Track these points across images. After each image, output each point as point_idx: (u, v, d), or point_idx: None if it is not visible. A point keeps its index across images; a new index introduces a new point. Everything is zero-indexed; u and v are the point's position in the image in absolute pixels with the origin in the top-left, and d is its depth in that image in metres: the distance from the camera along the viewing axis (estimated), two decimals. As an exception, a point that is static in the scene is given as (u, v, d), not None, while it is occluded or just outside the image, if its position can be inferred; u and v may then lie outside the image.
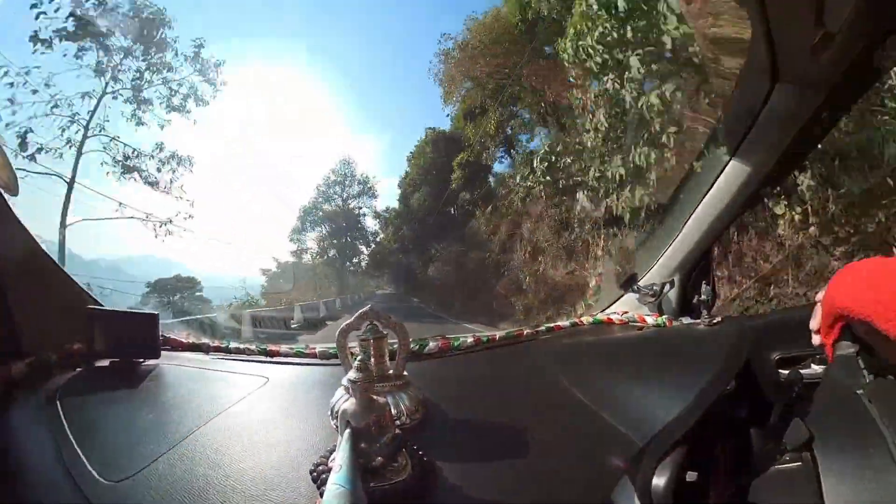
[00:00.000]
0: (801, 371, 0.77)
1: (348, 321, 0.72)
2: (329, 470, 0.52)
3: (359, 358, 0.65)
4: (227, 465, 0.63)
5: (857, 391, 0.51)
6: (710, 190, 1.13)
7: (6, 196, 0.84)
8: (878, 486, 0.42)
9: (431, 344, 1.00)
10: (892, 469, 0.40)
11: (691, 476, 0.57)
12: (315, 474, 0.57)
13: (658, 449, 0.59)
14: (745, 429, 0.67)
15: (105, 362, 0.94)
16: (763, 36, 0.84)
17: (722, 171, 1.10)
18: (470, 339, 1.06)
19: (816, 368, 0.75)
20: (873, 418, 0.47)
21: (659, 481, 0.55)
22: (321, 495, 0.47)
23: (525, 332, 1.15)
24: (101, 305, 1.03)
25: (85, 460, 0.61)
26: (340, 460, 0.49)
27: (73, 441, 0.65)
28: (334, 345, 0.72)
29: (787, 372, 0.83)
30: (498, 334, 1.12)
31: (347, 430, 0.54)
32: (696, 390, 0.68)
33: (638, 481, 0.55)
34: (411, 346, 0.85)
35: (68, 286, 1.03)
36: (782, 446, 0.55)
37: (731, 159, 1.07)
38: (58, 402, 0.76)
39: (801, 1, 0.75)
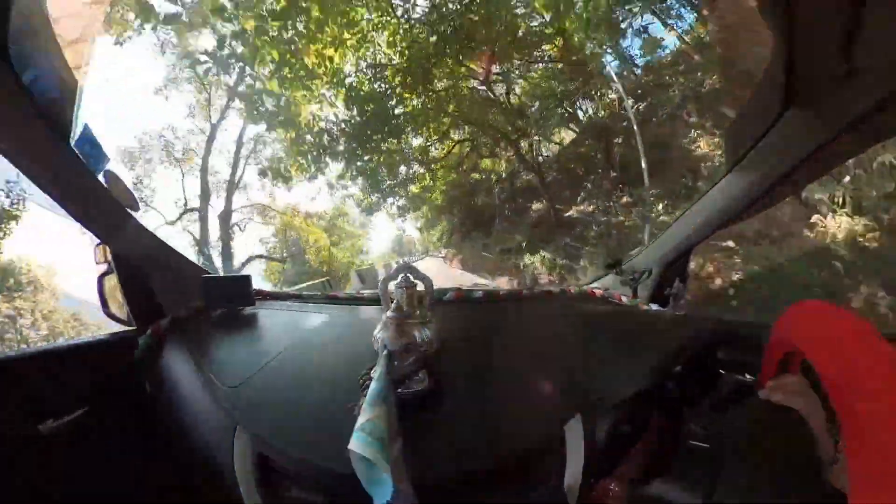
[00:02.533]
0: (737, 377, 0.79)
1: (389, 273, 0.84)
2: (370, 378, 0.64)
3: (395, 301, 0.78)
4: (301, 374, 0.82)
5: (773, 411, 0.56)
6: (702, 197, 1.09)
7: (131, 212, 1.03)
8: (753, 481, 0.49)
9: (450, 294, 1.14)
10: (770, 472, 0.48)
11: (626, 428, 0.68)
12: (361, 381, 0.72)
13: (607, 401, 0.69)
14: (677, 406, 0.74)
15: (218, 311, 1.18)
16: (784, 57, 0.75)
17: (717, 183, 1.05)
18: (479, 293, 1.19)
19: (749, 378, 0.78)
20: (772, 431, 0.53)
21: (600, 427, 0.65)
22: (364, 395, 0.60)
23: (524, 292, 1.26)
24: (211, 274, 1.27)
25: (211, 375, 0.82)
26: (378, 372, 0.62)
27: (204, 364, 0.86)
28: (378, 291, 0.84)
29: (725, 373, 0.85)
30: (502, 291, 1.23)
31: (385, 352, 0.68)
32: (649, 364, 0.77)
33: (587, 421, 0.65)
34: (434, 294, 0.97)
35: (187, 264, 1.28)
36: (701, 429, 0.62)
37: (728, 173, 1.00)
38: (192, 341, 0.98)
39: (831, 29, 0.66)
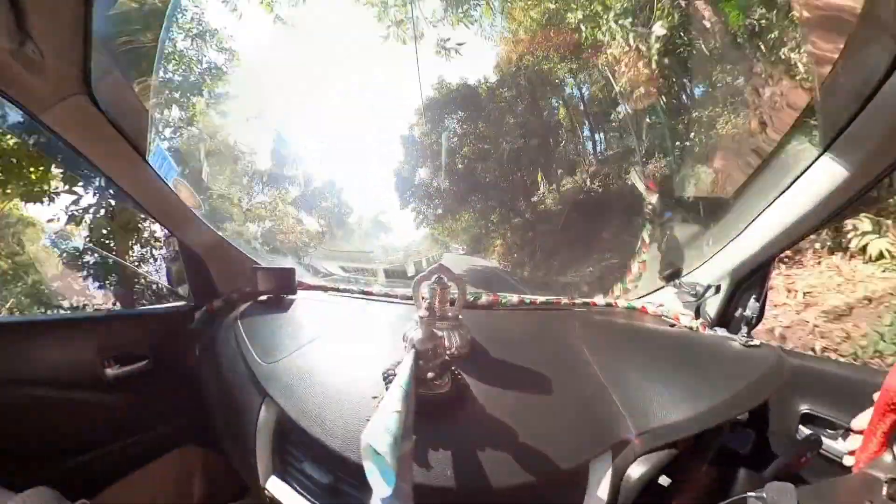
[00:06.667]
0: (825, 439, 0.58)
1: (422, 273, 0.79)
2: (395, 375, 0.60)
3: (427, 301, 0.72)
4: (329, 362, 0.83)
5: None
6: (788, 189, 0.79)
7: (196, 211, 1.16)
8: None
9: (484, 298, 1.05)
10: None
11: (664, 480, 0.53)
12: (385, 375, 0.68)
13: (647, 443, 0.55)
14: (735, 463, 0.56)
15: (264, 297, 1.23)
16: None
17: (809, 167, 0.74)
18: (515, 299, 1.08)
19: (842, 445, 0.56)
20: None
21: (633, 472, 0.52)
22: (387, 389, 0.57)
23: (563, 302, 1.11)
24: (260, 265, 1.36)
25: (252, 351, 0.87)
26: (403, 370, 0.58)
27: (247, 341, 0.92)
28: (411, 290, 0.80)
29: (808, 431, 0.65)
30: (539, 299, 1.10)
31: (412, 351, 0.63)
32: (707, 405, 0.59)
33: (617, 462, 0.53)
34: (468, 297, 0.90)
35: (239, 256, 1.36)
36: (763, 499, 0.43)
37: (824, 151, 0.70)
38: (238, 320, 1.05)
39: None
